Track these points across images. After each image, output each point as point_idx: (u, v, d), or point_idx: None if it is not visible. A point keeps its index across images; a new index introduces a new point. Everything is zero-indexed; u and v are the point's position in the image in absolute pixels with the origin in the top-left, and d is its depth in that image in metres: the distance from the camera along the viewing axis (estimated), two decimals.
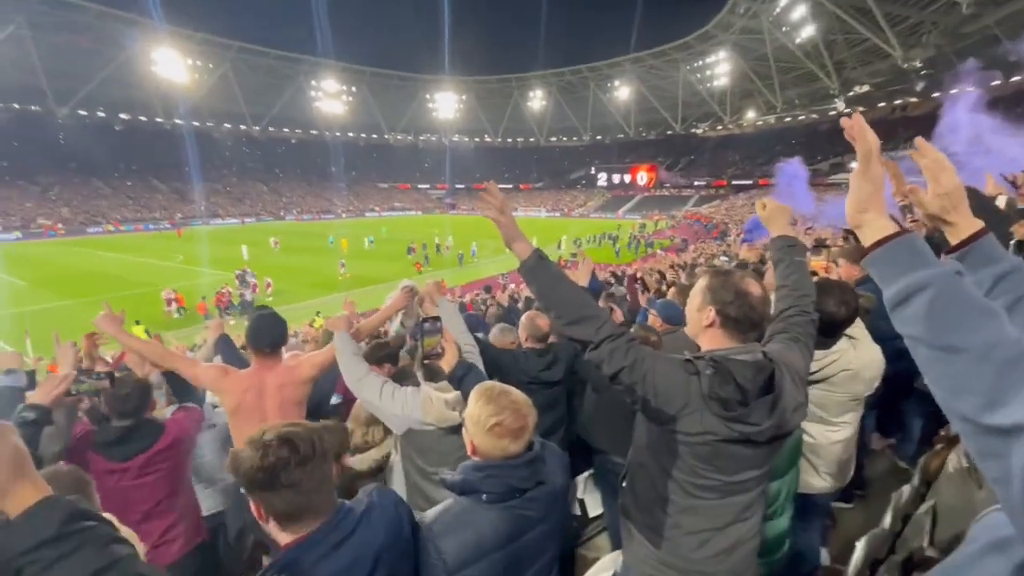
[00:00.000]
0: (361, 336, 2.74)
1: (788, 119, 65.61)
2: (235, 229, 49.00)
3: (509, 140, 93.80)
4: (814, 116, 62.00)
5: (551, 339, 2.99)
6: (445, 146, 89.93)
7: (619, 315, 3.99)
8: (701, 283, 1.51)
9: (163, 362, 2.47)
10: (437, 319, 1.97)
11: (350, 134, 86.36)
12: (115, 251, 34.03)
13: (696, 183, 67.87)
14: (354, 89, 79.33)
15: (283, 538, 1.14)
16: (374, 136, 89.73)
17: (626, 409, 2.87)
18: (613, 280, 9.23)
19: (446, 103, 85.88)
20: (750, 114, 69.34)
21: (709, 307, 1.45)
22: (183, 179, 59.44)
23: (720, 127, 74.09)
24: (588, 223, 52.59)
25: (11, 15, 45.55)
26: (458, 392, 2.03)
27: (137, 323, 14.80)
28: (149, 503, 2.23)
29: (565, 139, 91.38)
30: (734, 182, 62.73)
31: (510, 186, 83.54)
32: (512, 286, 21.27)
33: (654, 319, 3.43)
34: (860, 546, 2.04)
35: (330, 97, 77.16)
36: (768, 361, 1.38)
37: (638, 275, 7.20)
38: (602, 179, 77.88)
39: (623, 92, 76.75)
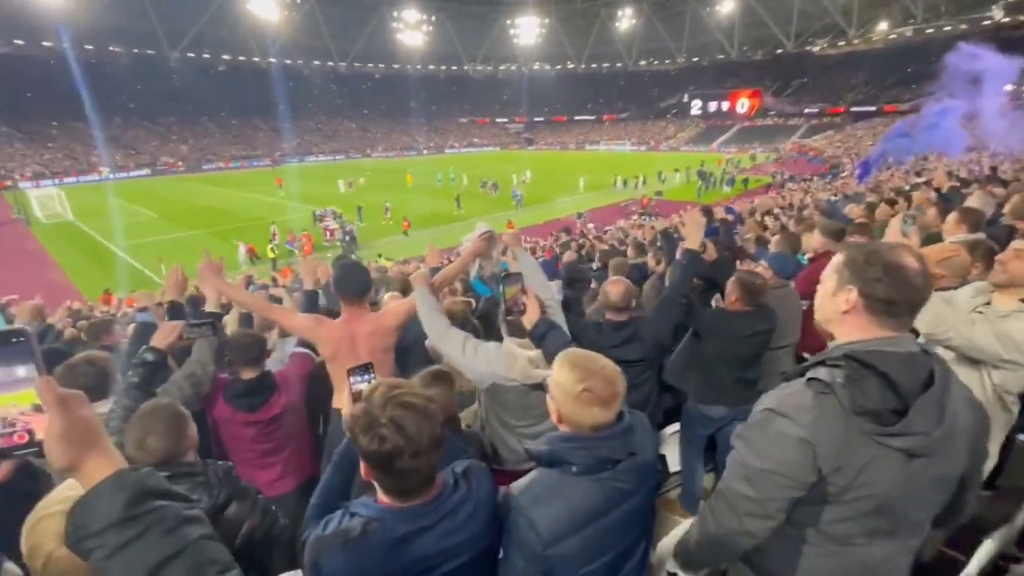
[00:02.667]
0: (440, 285, 2.75)
1: (930, 31, 55.03)
2: (328, 166, 51.54)
3: (593, 66, 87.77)
4: (963, 27, 51.36)
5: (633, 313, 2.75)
6: (524, 76, 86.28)
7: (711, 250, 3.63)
8: (838, 260, 1.23)
9: (261, 311, 2.63)
10: (519, 275, 1.91)
11: (430, 67, 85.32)
12: (226, 186, 37.33)
13: (807, 110, 59.95)
14: (433, 18, 77.33)
15: (380, 495, 1.20)
16: (453, 68, 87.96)
17: (728, 362, 2.79)
18: (731, 217, 8.03)
19: (527, 28, 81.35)
20: (881, 26, 58.99)
21: (849, 288, 1.16)
22: (279, 117, 62.62)
23: (842, 43, 63.96)
24: (677, 156, 48.87)
25: None
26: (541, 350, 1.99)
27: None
28: (268, 445, 2.47)
29: (656, 63, 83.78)
30: (853, 109, 54.76)
31: (592, 117, 79.20)
32: (591, 226, 20.71)
33: (763, 270, 3.13)
34: (990, 542, 1.82)
35: (410, 28, 76.01)
36: (925, 355, 1.14)
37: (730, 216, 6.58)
38: (696, 107, 70.88)
39: (727, 5, 68.02)
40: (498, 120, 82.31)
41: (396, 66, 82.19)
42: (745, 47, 72.66)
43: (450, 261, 3.27)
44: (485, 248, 2.94)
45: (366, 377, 1.62)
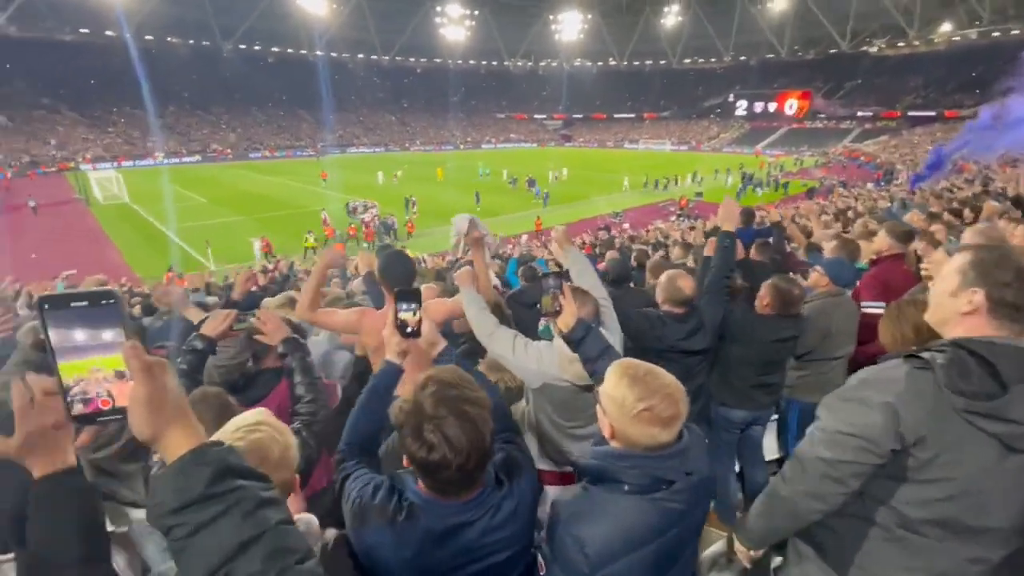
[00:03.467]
0: (479, 279, 2.70)
1: (997, 34, 51.58)
2: (368, 157, 52.53)
3: (636, 63, 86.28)
4: None
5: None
6: (564, 72, 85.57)
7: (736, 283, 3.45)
8: (962, 259, 1.20)
9: (304, 313, 2.52)
10: (558, 274, 1.81)
11: (471, 61, 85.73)
12: (271, 174, 38.55)
13: (860, 113, 57.27)
14: (476, 13, 77.59)
15: (421, 486, 1.19)
16: (494, 63, 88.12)
17: (752, 364, 2.71)
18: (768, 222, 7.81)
19: (569, 24, 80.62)
20: (945, 27, 55.67)
21: (974, 290, 1.15)
22: (323, 109, 64.17)
23: (902, 44, 60.75)
24: (719, 158, 47.52)
25: None
26: None
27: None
28: None
29: (701, 60, 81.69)
30: (911, 113, 52.00)
31: (632, 115, 77.87)
32: (627, 226, 20.40)
33: (819, 276, 3.01)
34: None
35: (453, 23, 76.51)
36: None
37: (783, 221, 6.34)
38: (741, 107, 68.75)
39: (779, 2, 65.68)
40: (536, 116, 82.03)
41: (437, 60, 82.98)
42: (796, 46, 70.00)
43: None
44: (481, 251, 2.86)
45: (412, 305, 1.55)
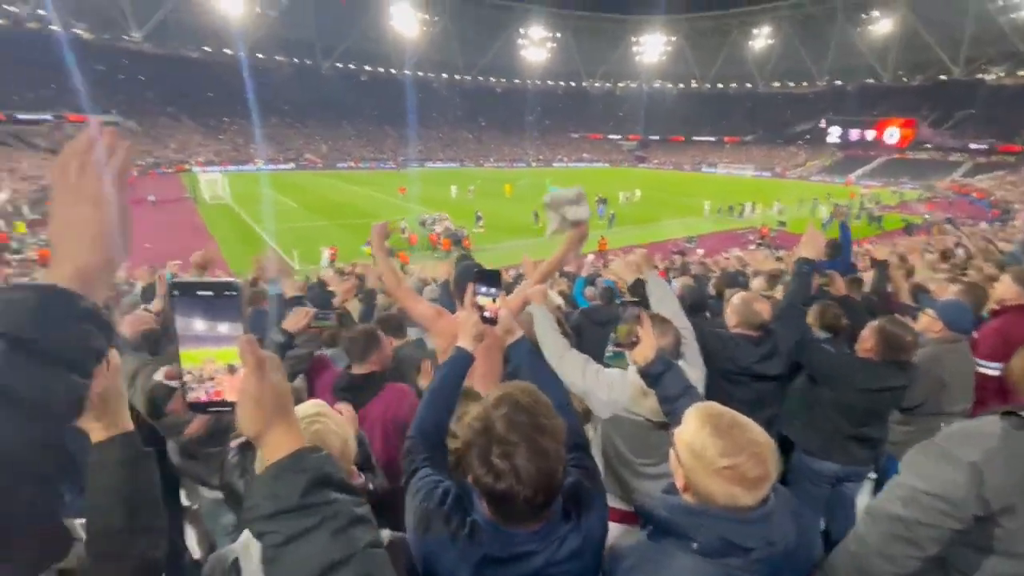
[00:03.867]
0: (540, 280, 2.68)
1: None
2: (444, 172, 54.50)
3: (719, 86, 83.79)
4: None
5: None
6: (643, 93, 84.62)
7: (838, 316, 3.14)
8: None
9: (394, 290, 2.67)
10: (637, 302, 1.73)
11: (549, 82, 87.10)
12: (356, 184, 40.94)
13: (972, 146, 51.86)
14: (558, 35, 79.02)
15: (485, 506, 1.14)
16: (572, 84, 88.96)
17: (847, 414, 2.45)
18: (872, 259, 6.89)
19: (652, 46, 79.96)
20: None
21: None
22: (406, 125, 67.53)
23: (1023, 72, 54.61)
24: (804, 186, 44.67)
25: None
26: None
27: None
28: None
29: (792, 84, 77.90)
30: None
31: (712, 138, 75.36)
32: (700, 251, 19.61)
33: (931, 321, 2.71)
34: None
35: (535, 44, 78.35)
36: None
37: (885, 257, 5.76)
38: (834, 134, 64.36)
39: (884, 23, 61.42)
40: (611, 137, 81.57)
41: (516, 81, 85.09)
42: (901, 71, 64.92)
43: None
44: (582, 240, 2.79)
45: (492, 291, 1.47)
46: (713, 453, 1.08)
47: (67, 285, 0.61)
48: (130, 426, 0.95)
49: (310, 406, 1.28)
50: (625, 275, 2.43)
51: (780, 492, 1.16)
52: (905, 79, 65.48)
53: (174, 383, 0.78)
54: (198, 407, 0.77)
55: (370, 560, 0.72)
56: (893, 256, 6.11)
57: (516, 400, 1.07)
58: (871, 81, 67.92)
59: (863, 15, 63.17)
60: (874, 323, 2.49)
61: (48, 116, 47.53)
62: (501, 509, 1.06)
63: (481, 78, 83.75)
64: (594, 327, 3.60)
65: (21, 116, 46.05)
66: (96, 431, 0.90)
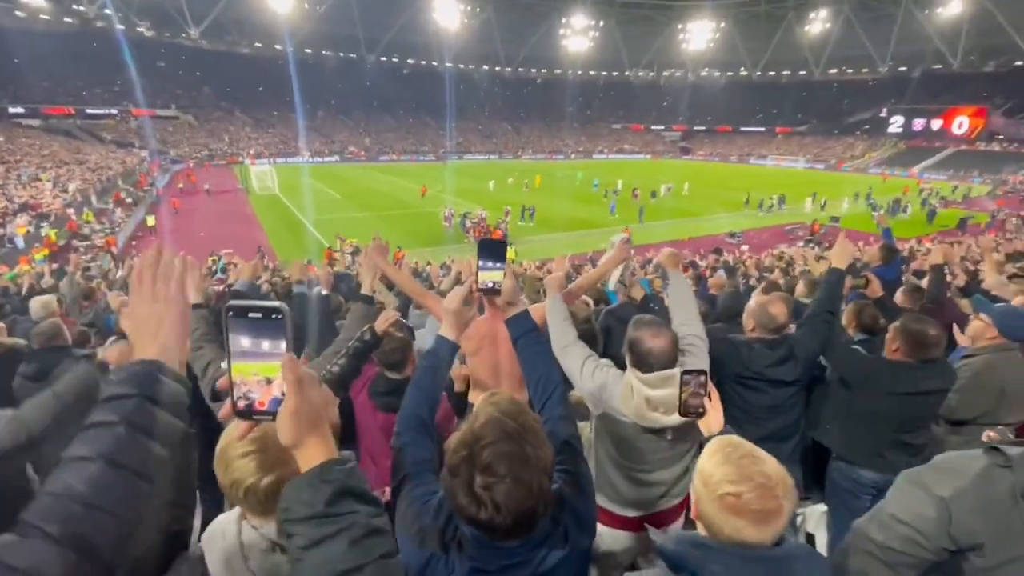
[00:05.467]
0: (576, 293, 2.68)
1: None
2: (482, 165, 54.75)
3: (770, 74, 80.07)
4: None
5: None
6: (687, 82, 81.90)
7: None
8: None
9: (417, 296, 2.75)
10: (702, 372, 1.56)
11: (591, 72, 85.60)
12: (397, 176, 41.73)
13: None
14: (601, 23, 77.36)
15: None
16: (614, 73, 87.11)
17: (888, 415, 2.36)
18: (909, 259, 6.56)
19: (698, 33, 77.10)
20: None
21: None
22: (446, 117, 68.08)
23: None
24: (860, 179, 42.18)
25: None
26: (670, 391, 1.74)
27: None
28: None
29: (850, 71, 73.52)
30: None
31: (762, 128, 72.34)
32: (746, 247, 18.93)
33: (983, 326, 2.57)
34: None
35: (577, 34, 77.01)
36: None
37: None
38: (896, 124, 60.60)
39: (953, 5, 57.00)
40: (654, 127, 79.57)
41: (557, 71, 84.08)
42: (972, 55, 60.12)
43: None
44: (626, 254, 2.82)
45: (499, 265, 1.42)
46: (718, 479, 1.06)
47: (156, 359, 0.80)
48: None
49: None
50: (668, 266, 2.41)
51: (806, 550, 1.09)
52: (976, 64, 60.59)
53: (224, 390, 0.87)
54: (244, 414, 0.86)
55: (383, 570, 0.79)
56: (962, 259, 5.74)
57: (503, 427, 1.03)
58: (938, 67, 63.23)
59: None
60: (895, 324, 2.39)
61: (114, 110, 50.68)
62: (482, 531, 1.06)
63: (522, 69, 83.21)
64: (621, 326, 3.57)
65: (90, 111, 49.30)
66: None
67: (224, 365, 0.87)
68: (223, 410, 0.88)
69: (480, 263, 1.39)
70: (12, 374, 2.91)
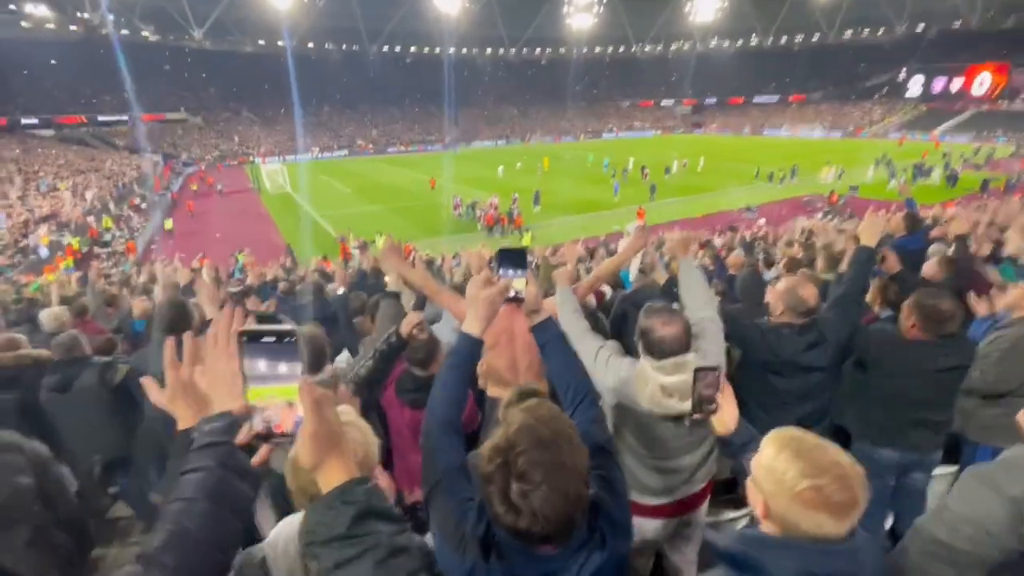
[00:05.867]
0: (591, 286, 2.66)
1: None
2: (490, 151, 54.38)
3: (782, 40, 77.62)
4: None
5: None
6: (695, 53, 79.76)
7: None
8: None
9: (431, 294, 2.72)
10: (714, 369, 1.53)
11: (596, 49, 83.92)
12: (406, 167, 41.68)
13: None
14: None
15: None
16: (620, 50, 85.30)
17: (906, 399, 2.32)
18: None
19: (707, 2, 74.82)
20: None
21: None
22: (452, 104, 67.49)
23: None
24: (881, 146, 40.86)
25: None
26: (684, 377, 1.72)
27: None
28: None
29: (866, 32, 70.89)
30: None
31: (775, 98, 70.37)
32: (762, 221, 18.59)
33: (1021, 295, 2.54)
34: None
35: (580, 11, 75.41)
36: None
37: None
38: (915, 85, 58.39)
39: None
40: (663, 103, 77.92)
41: (562, 51, 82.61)
42: (991, 11, 57.38)
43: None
44: (643, 240, 2.79)
45: (520, 272, 1.41)
46: (793, 474, 1.02)
47: (239, 413, 0.88)
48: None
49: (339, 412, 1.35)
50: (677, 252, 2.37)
51: (866, 538, 1.08)
52: (995, 20, 57.86)
53: (243, 416, 0.89)
54: (262, 437, 0.87)
55: None
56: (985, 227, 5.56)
57: (537, 434, 1.02)
58: (956, 25, 60.63)
59: None
60: (908, 301, 2.33)
61: (124, 117, 51.32)
62: (520, 539, 1.05)
63: (526, 50, 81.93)
64: (638, 311, 3.54)
65: (101, 118, 49.97)
66: (185, 419, 0.99)
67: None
68: (241, 435, 0.89)
69: (501, 272, 1.38)
70: (39, 386, 2.99)
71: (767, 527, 1.10)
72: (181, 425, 0.99)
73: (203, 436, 0.84)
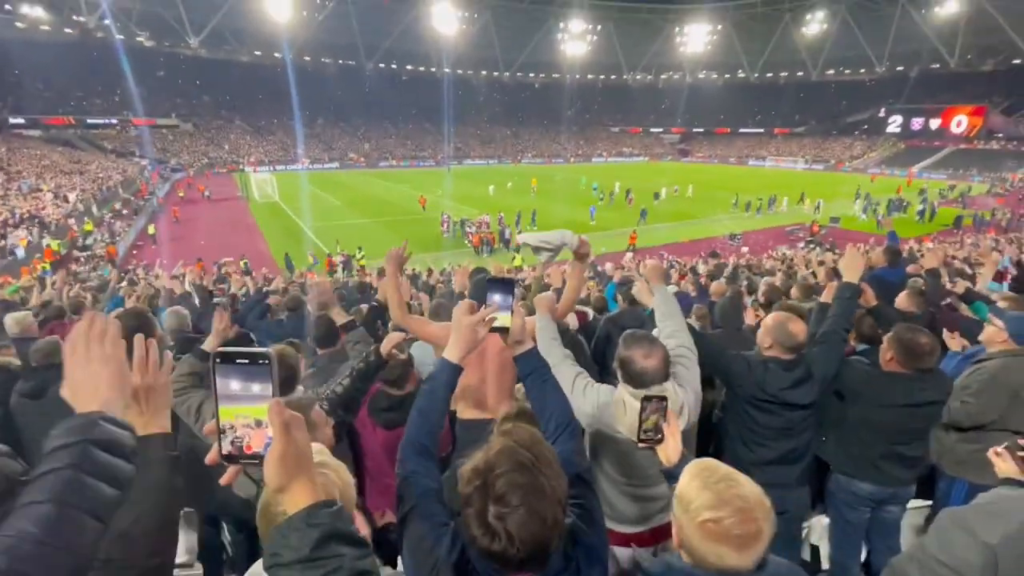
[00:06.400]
0: (563, 314, 2.65)
1: None
2: (481, 169, 54.93)
3: (768, 75, 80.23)
4: None
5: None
6: (685, 85, 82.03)
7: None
8: None
9: (399, 318, 2.55)
10: (663, 399, 1.53)
11: (589, 76, 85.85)
12: (396, 182, 41.83)
13: None
14: (599, 27, 77.65)
15: None
16: (612, 77, 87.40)
17: (881, 431, 2.34)
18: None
19: (696, 36, 77.33)
20: None
21: None
22: (445, 122, 68.11)
23: None
24: (861, 180, 42.05)
25: None
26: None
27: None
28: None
29: (847, 72, 73.65)
30: None
31: (760, 130, 72.39)
32: (746, 249, 18.91)
33: (996, 332, 2.57)
34: None
35: (575, 38, 77.29)
36: None
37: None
38: (894, 123, 60.62)
39: (950, 4, 57.08)
40: (652, 130, 79.68)
41: (555, 76, 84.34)
42: (969, 55, 60.16)
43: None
44: (581, 280, 2.74)
45: (508, 301, 1.39)
46: (698, 505, 1.05)
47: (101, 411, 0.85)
48: (168, 428, 1.07)
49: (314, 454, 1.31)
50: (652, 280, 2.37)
51: (786, 567, 1.08)
52: (973, 63, 60.66)
53: (211, 438, 0.88)
54: (231, 459, 0.86)
55: None
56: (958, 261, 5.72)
57: (517, 457, 1.01)
58: (936, 67, 63.31)
59: None
60: (889, 334, 2.37)
61: (114, 120, 50.90)
62: (496, 563, 1.03)
63: (520, 74, 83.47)
64: (619, 332, 3.56)
65: (90, 121, 49.50)
66: (138, 426, 0.97)
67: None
68: (210, 455, 0.87)
69: (489, 300, 1.37)
70: (7, 392, 2.89)
71: (684, 556, 1.10)
72: (138, 431, 0.96)
73: (54, 439, 0.80)
